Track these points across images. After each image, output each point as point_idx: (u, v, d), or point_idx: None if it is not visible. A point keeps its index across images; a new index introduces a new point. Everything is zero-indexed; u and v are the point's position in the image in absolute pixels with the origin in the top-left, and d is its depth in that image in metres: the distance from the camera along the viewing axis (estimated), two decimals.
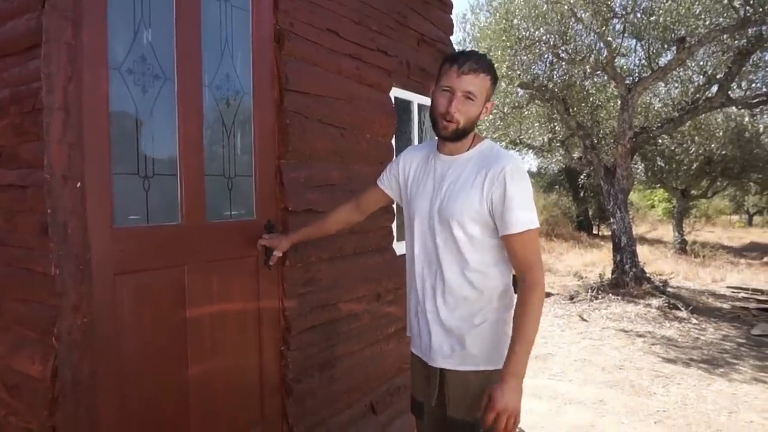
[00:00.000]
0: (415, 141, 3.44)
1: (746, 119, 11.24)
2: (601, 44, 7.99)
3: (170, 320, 1.83)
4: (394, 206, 3.04)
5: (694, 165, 12.83)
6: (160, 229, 1.84)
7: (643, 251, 11.09)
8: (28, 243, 1.58)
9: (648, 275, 8.35)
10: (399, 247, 3.09)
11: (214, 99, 2.04)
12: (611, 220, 8.58)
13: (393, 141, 3.06)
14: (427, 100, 3.40)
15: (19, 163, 1.60)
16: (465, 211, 1.53)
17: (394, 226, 3.07)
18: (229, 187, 2.12)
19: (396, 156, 3.00)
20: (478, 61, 1.52)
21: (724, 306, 7.62)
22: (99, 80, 1.61)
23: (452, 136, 1.57)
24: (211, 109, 2.03)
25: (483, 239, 1.56)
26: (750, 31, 7.12)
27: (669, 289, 8.01)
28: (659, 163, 13.24)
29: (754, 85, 8.75)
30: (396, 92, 3.11)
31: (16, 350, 1.62)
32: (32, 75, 1.52)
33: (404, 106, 3.30)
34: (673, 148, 11.90)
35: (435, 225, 1.60)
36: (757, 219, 27.06)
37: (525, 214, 1.50)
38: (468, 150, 1.61)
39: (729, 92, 7.98)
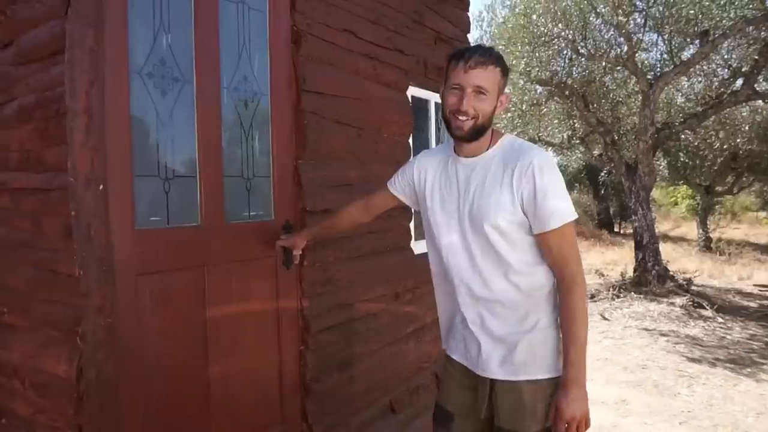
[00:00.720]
0: (433, 140, 3.43)
1: None
2: (622, 39, 7.85)
3: (191, 320, 1.86)
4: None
5: (719, 161, 12.51)
6: (180, 231, 1.86)
7: (666, 249, 10.88)
8: (54, 245, 1.62)
9: (671, 273, 8.18)
10: (417, 246, 3.09)
11: (232, 101, 2.06)
12: (633, 217, 8.43)
13: (410, 140, 3.06)
14: None
15: (44, 167, 1.64)
16: (498, 212, 1.44)
17: (411, 225, 3.07)
18: (247, 188, 2.13)
19: (412, 156, 2.99)
20: (484, 54, 1.43)
21: (751, 304, 7.44)
22: (120, 84, 1.64)
23: (469, 135, 1.47)
24: (229, 111, 2.05)
25: (522, 238, 1.47)
26: None
27: (693, 288, 7.84)
28: (682, 159, 12.96)
29: None
30: (413, 91, 3.10)
31: (43, 350, 1.66)
32: (56, 80, 1.56)
33: (421, 105, 3.29)
34: (696, 143, 11.63)
35: (467, 232, 1.50)
36: None
37: (561, 205, 1.42)
38: (489, 149, 1.51)
39: (755, 85, 7.78)
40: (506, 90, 1.54)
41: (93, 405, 1.56)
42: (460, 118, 1.45)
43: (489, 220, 1.45)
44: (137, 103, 1.72)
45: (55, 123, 1.57)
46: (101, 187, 1.58)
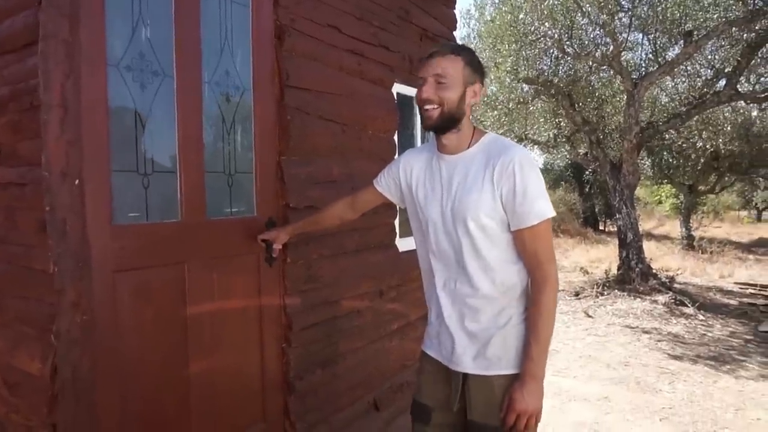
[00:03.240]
0: (418, 137, 3.42)
1: (755, 113, 11.12)
2: (607, 38, 7.91)
3: (171, 318, 1.83)
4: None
5: (702, 160, 12.71)
6: (160, 227, 1.83)
7: (649, 247, 11.03)
8: (28, 240, 1.59)
9: (654, 271, 8.29)
10: (401, 244, 3.08)
11: (214, 96, 2.03)
12: (617, 216, 8.51)
13: (395, 137, 3.05)
14: None
15: (18, 161, 1.61)
16: (480, 208, 1.46)
17: (396, 222, 3.06)
18: (229, 184, 2.11)
19: (397, 153, 2.99)
20: (444, 45, 1.50)
21: (732, 302, 7.56)
22: (97, 77, 1.61)
23: (438, 123, 1.49)
24: (211, 106, 2.02)
25: (501, 235, 1.49)
26: (759, 24, 7.02)
27: (676, 286, 7.95)
28: (666, 158, 13.14)
29: (763, 78, 8.64)
30: (398, 88, 3.09)
31: (16, 347, 1.63)
32: (30, 72, 1.52)
33: (407, 102, 3.27)
34: (680, 143, 11.79)
35: (449, 228, 1.53)
36: (766, 214, 26.81)
37: (539, 203, 1.43)
38: (471, 145, 1.54)
39: (737, 86, 7.89)
40: (481, 83, 1.54)
41: (68, 404, 1.53)
42: (426, 107, 1.48)
43: (470, 216, 1.47)
44: (115, 96, 1.68)
45: (29, 116, 1.53)
46: (77, 181, 1.54)
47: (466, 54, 1.50)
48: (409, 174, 1.68)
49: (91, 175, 1.58)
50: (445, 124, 1.50)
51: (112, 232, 1.65)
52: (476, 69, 1.52)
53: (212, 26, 2.03)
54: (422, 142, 3.42)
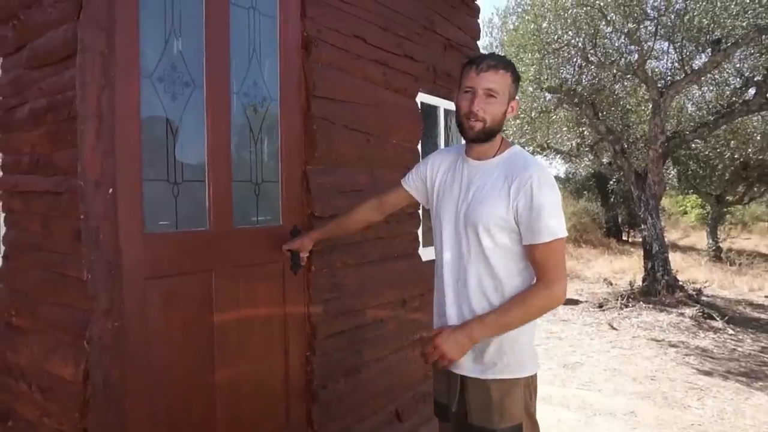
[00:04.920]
0: (442, 146, 3.42)
1: None
2: (632, 47, 7.82)
3: (198, 325, 1.85)
4: (420, 212, 3.02)
5: (730, 170, 12.42)
6: (189, 235, 1.86)
7: (675, 258, 10.78)
8: (63, 248, 1.63)
9: (681, 283, 8.10)
10: (425, 253, 3.07)
11: (242, 106, 2.07)
12: (642, 226, 8.37)
13: (419, 146, 3.05)
14: (453, 105, 3.38)
15: (54, 170, 1.65)
16: (491, 217, 1.51)
17: (420, 231, 3.05)
18: (256, 193, 2.13)
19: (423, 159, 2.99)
20: (495, 59, 1.53)
21: (763, 316, 7.35)
22: (131, 88, 1.65)
23: (480, 136, 1.54)
24: (239, 116, 2.05)
25: (509, 246, 1.53)
26: None
27: (703, 298, 7.76)
28: (692, 168, 12.87)
29: None
30: (422, 97, 3.10)
31: (51, 353, 1.66)
32: (68, 84, 1.56)
33: (430, 111, 3.28)
34: (707, 152, 11.54)
35: (461, 230, 1.58)
36: None
37: (552, 223, 1.46)
38: (496, 155, 1.59)
39: (767, 95, 7.71)
40: (516, 97, 1.61)
41: (99, 409, 1.55)
42: (471, 119, 1.53)
43: (481, 224, 1.53)
44: (147, 107, 1.72)
45: (66, 126, 1.57)
46: (111, 190, 1.58)
47: (513, 69, 1.55)
48: (435, 172, 1.74)
49: (124, 184, 1.62)
50: (484, 137, 1.56)
51: (144, 240, 1.68)
52: (517, 84, 1.58)
53: (241, 38, 2.06)
54: None
